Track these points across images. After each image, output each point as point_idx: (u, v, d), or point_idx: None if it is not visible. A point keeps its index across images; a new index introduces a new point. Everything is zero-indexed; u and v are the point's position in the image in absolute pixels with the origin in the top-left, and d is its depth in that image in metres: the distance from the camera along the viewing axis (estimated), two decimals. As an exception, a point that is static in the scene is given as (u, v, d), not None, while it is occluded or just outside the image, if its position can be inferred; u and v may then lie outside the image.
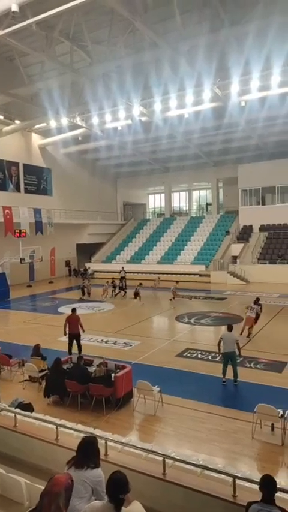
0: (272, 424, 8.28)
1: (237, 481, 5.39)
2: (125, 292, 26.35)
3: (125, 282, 27.76)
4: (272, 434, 8.17)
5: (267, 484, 4.02)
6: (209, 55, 20.42)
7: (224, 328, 17.99)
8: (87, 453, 4.10)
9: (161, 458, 5.38)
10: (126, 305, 23.67)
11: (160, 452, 5.49)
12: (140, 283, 25.14)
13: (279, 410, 8.03)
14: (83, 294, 25.87)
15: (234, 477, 5.12)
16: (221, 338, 11.09)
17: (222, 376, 10.99)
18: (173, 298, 23.97)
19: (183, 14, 18.33)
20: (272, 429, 8.26)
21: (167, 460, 5.40)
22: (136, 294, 23.81)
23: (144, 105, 28.56)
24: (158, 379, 10.27)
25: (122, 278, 28.18)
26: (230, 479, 5.29)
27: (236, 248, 34.99)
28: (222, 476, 5.46)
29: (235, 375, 10.88)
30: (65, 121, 30.38)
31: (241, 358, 12.06)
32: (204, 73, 22.30)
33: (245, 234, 36.57)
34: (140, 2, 16.95)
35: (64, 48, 21.97)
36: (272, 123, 30.24)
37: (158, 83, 23.69)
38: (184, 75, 22.59)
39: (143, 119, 29.87)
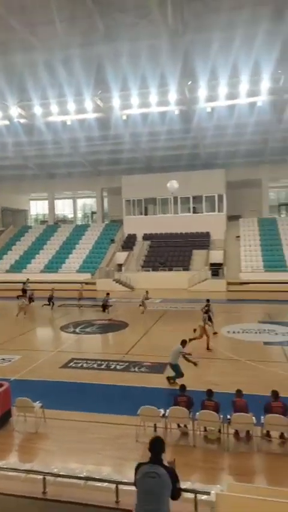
0: (155, 425, 8.57)
1: (121, 486, 5.41)
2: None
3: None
4: (155, 434, 8.43)
5: (154, 446, 4.32)
6: (87, 66, 20.75)
7: (110, 335, 18.32)
8: None
9: (41, 477, 5.07)
10: (4, 318, 22.01)
11: (39, 470, 5.17)
12: (147, 292, 23.26)
13: (160, 410, 8.36)
14: None
15: (117, 483, 5.13)
16: None
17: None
18: (142, 306, 22.32)
19: (63, 21, 18.22)
20: (155, 429, 8.53)
21: (48, 478, 5.12)
22: (143, 304, 22.27)
23: (23, 107, 27.46)
24: (41, 393, 9.74)
25: (25, 290, 26.03)
26: (114, 486, 5.27)
27: (121, 256, 35.92)
28: (106, 484, 5.42)
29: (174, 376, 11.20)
30: None
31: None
32: (85, 83, 22.58)
33: (129, 243, 37.81)
34: (17, 2, 16.27)
35: None
36: (155, 139, 32.15)
37: (35, 86, 23.06)
38: (64, 82, 22.48)
39: (22, 121, 28.67)
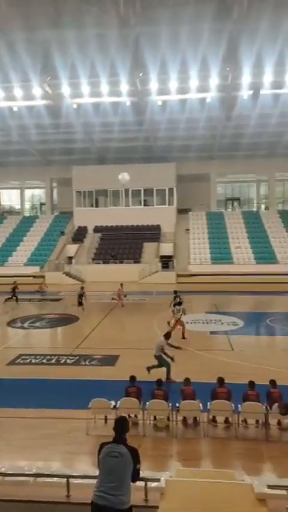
0: (105, 417, 8.63)
1: (72, 480, 5.42)
2: None
3: None
4: (105, 426, 8.50)
5: (118, 426, 4.47)
6: (33, 51, 20.10)
7: (60, 329, 18.04)
8: None
9: (-12, 478, 4.94)
10: None
11: (-14, 471, 5.03)
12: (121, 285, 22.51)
13: (111, 402, 8.42)
14: None
15: (68, 477, 5.13)
16: None
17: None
18: (117, 299, 22.03)
19: (8, 1, 17.40)
20: (106, 422, 8.59)
21: (-5, 478, 5.00)
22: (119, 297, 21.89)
23: None
24: (-13, 391, 9.41)
25: None
26: (64, 480, 5.28)
27: (71, 249, 35.38)
28: (56, 479, 5.41)
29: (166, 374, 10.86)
30: None
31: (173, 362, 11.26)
32: (32, 69, 21.84)
33: (79, 235, 37.29)
34: None
35: None
36: (107, 130, 31.79)
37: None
38: (10, 66, 21.57)
39: None
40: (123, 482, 4.17)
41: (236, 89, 26.21)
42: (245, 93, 26.41)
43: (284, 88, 25.71)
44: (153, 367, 11.14)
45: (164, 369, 11.03)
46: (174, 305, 16.49)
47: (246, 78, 24.81)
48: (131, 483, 4.30)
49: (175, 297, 17.41)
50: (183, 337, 15.00)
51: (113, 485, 4.11)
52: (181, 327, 15.46)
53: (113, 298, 22.14)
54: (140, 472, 4.41)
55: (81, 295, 20.86)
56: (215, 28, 20.87)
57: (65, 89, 25.38)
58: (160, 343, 11.27)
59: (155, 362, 11.20)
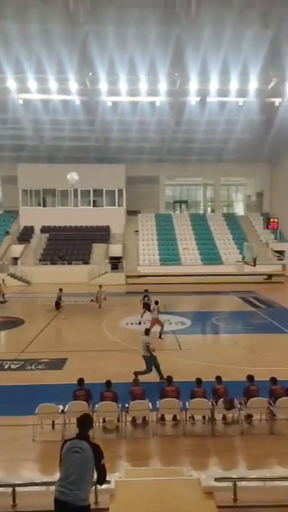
0: (53, 422, 8.41)
1: (18, 489, 5.23)
2: None
3: None
4: (53, 431, 8.29)
5: (80, 422, 4.53)
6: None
7: (4, 333, 17.30)
8: None
9: None
10: None
11: None
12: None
13: (59, 406, 8.22)
14: None
15: (14, 486, 4.94)
16: None
17: None
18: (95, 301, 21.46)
19: None
20: (53, 427, 8.38)
21: None
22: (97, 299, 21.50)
23: None
24: None
25: None
26: (10, 489, 5.07)
27: (17, 249, 34.12)
28: (2, 488, 5.19)
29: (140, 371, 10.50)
30: None
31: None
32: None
33: (25, 235, 36.09)
34: None
35: None
36: (57, 128, 31.08)
37: None
38: None
39: None
40: (82, 477, 4.16)
41: (184, 94, 26.89)
42: (192, 99, 27.18)
43: (229, 96, 26.82)
44: (159, 373, 10.87)
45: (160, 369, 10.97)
46: (144, 305, 17.23)
47: (193, 85, 25.54)
48: (99, 485, 4.33)
49: (144, 296, 18.43)
50: (160, 337, 15.09)
51: (72, 479, 4.11)
52: (159, 326, 15.53)
53: (91, 300, 21.93)
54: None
55: (59, 297, 20.97)
56: (163, 32, 21.29)
57: (11, 83, 24.49)
58: (144, 341, 11.17)
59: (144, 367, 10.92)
